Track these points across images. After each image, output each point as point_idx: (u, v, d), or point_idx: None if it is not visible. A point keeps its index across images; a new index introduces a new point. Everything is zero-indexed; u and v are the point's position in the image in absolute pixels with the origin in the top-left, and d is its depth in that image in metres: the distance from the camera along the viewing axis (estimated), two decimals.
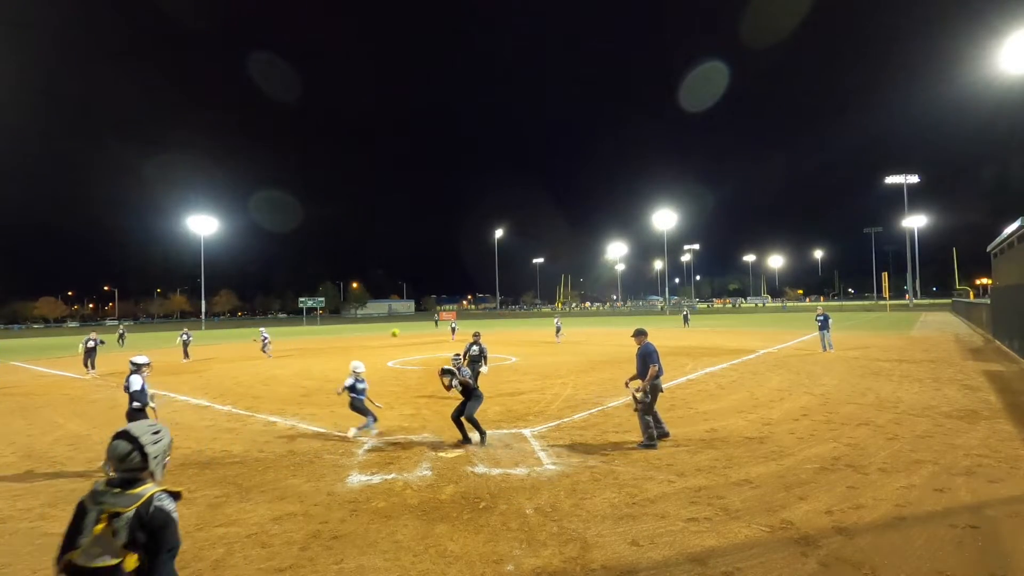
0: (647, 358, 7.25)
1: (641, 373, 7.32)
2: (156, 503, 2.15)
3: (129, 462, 2.24)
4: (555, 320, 33.13)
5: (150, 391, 7.16)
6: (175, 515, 2.19)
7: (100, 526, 2.09)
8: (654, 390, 7.22)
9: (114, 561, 2.05)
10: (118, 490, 2.18)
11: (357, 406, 8.22)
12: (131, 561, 2.07)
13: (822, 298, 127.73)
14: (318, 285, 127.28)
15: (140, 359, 7.26)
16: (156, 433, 2.36)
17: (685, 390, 11.52)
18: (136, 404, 6.93)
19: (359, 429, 8.10)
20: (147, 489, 2.19)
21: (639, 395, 7.15)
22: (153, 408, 7.10)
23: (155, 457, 2.31)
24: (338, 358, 21.77)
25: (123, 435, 2.28)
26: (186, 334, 23.67)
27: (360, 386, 8.22)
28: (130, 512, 2.11)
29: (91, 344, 18.04)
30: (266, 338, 23.31)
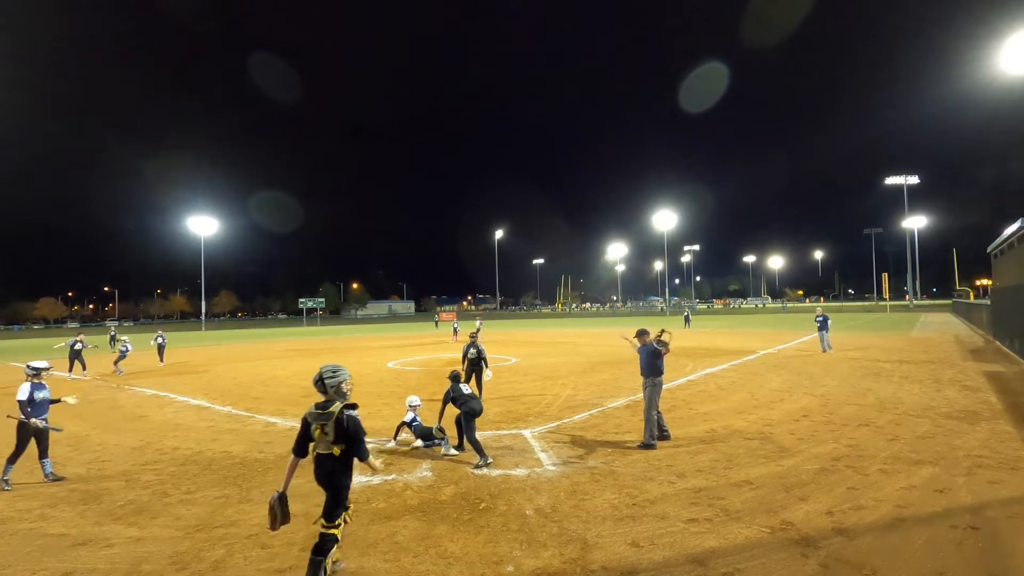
0: (651, 355, 7.37)
1: (646, 368, 7.40)
2: (343, 414, 3.71)
3: (318, 386, 3.83)
4: (453, 323, 35.68)
5: (43, 397, 6.45)
6: (356, 416, 3.79)
7: (318, 432, 3.71)
8: (656, 388, 7.27)
9: (330, 451, 3.70)
10: (320, 411, 3.74)
11: (422, 433, 7.47)
12: (337, 449, 3.69)
13: (821, 299, 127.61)
14: (318, 286, 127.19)
15: (38, 364, 6.69)
16: (334, 372, 3.86)
17: (685, 391, 11.51)
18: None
19: (447, 450, 7.17)
20: (336, 407, 3.73)
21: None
22: (41, 424, 6.31)
23: (331, 386, 3.81)
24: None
25: (320, 370, 3.87)
26: (160, 337, 21.19)
27: (418, 420, 7.65)
28: (331, 422, 3.67)
29: (78, 347, 17.44)
30: (125, 349, 18.68)
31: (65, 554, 4.42)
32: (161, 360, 20.83)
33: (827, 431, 7.73)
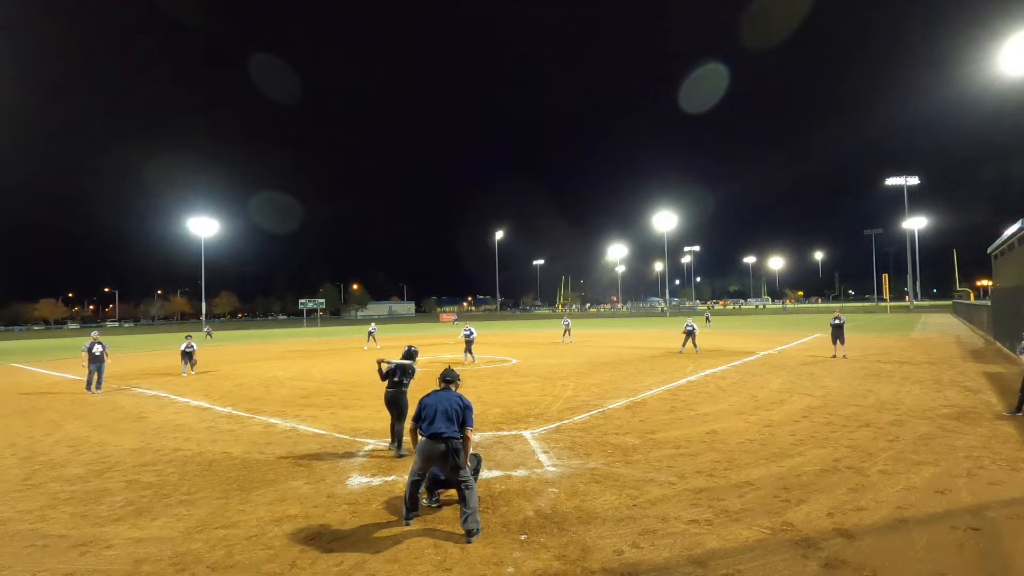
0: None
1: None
2: None
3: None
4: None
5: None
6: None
7: None
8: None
9: None
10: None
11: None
12: None
13: (819, 299, 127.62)
14: (318, 287, 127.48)
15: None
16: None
17: (686, 391, 11.51)
18: None
19: None
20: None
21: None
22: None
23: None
24: (339, 360, 21.77)
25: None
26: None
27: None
28: None
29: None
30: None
31: (65, 555, 4.42)
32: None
33: (828, 432, 7.72)
